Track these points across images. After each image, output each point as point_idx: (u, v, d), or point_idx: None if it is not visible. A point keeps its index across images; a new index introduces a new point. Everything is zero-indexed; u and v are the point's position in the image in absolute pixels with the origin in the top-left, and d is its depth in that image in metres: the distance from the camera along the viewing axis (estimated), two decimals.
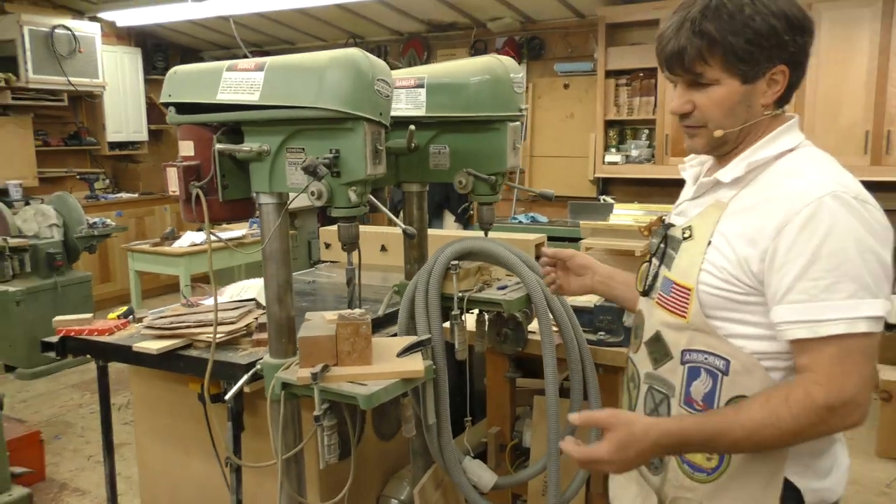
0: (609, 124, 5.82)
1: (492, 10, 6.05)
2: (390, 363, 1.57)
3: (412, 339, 1.67)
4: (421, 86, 1.85)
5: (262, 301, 2.09)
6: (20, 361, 4.75)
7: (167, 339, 1.94)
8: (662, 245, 1.29)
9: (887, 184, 4.75)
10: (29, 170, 6.33)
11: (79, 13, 6.77)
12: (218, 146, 1.56)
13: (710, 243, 1.18)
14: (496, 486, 1.91)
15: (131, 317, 2.20)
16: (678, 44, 1.15)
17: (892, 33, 4.56)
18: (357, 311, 1.59)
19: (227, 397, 1.74)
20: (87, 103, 7.04)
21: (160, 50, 7.70)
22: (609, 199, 5.60)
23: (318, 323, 1.64)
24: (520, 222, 5.67)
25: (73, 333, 2.09)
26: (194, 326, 1.96)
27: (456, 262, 1.83)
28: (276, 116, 1.51)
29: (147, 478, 2.40)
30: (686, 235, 1.22)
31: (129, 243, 5.19)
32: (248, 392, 1.80)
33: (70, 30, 6.33)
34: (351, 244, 1.58)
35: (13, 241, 4.69)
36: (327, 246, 3.37)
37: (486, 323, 2.08)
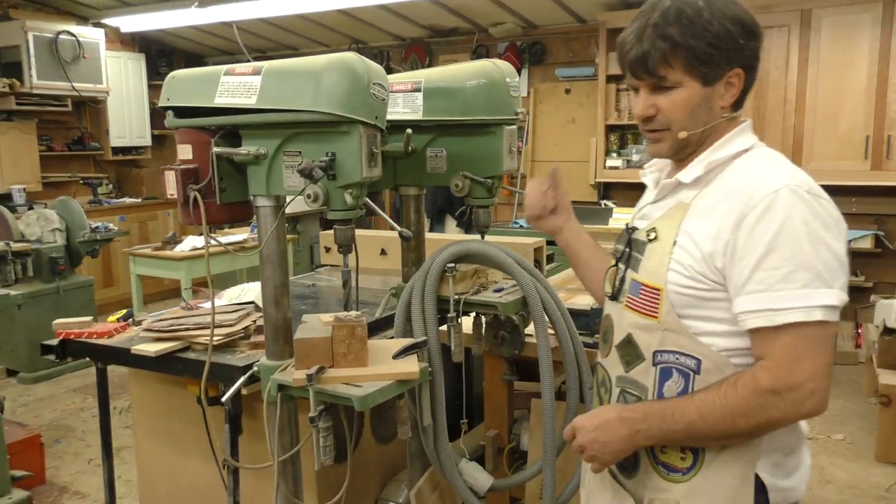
0: (610, 129, 5.84)
1: (493, 16, 6.08)
2: (386, 365, 1.58)
3: (408, 341, 1.67)
4: (418, 90, 1.87)
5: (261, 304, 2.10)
6: (22, 366, 4.77)
7: (165, 342, 1.95)
8: (627, 249, 1.32)
9: (888, 189, 4.75)
10: (33, 175, 6.37)
11: (83, 19, 6.82)
12: (216, 149, 1.58)
13: (675, 243, 1.21)
14: (492, 489, 1.92)
15: (130, 320, 2.21)
16: (642, 48, 1.19)
17: (892, 38, 4.57)
18: (353, 313, 1.60)
19: (223, 399, 1.75)
20: (90, 109, 7.08)
21: (164, 55, 7.74)
22: (610, 204, 5.61)
23: (315, 325, 1.65)
24: (521, 227, 5.68)
25: (72, 336, 2.10)
26: (192, 329, 1.97)
27: (452, 264, 1.84)
28: (272, 120, 1.52)
29: (146, 481, 2.41)
30: (651, 237, 1.25)
31: (132, 247, 5.21)
32: (247, 394, 1.81)
33: (74, 36, 6.37)
34: (346, 246, 1.59)
35: (16, 246, 4.71)
36: (327, 250, 3.38)
37: (483, 326, 2.08)
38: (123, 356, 1.99)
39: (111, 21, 6.66)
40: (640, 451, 1.26)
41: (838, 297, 1.11)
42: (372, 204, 1.64)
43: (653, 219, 1.30)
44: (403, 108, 1.88)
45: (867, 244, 4.94)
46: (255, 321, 2.04)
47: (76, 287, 5.00)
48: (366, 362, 1.56)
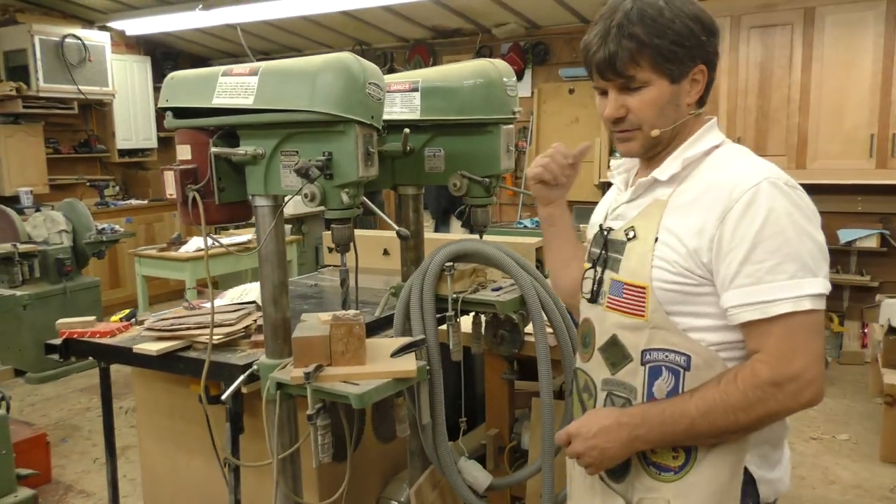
0: None
1: (497, 16, 6.08)
2: (384, 363, 1.59)
3: (406, 339, 1.68)
4: (415, 90, 1.88)
5: None
6: (29, 366, 4.80)
7: (167, 341, 1.97)
8: (603, 251, 1.32)
9: (893, 187, 4.73)
10: (40, 177, 6.41)
11: (89, 23, 6.86)
12: (214, 150, 1.59)
13: (657, 240, 1.21)
14: (491, 487, 1.92)
15: (133, 319, 2.23)
16: (608, 50, 1.20)
17: None
18: (351, 311, 1.61)
19: (223, 397, 1.77)
20: (97, 111, 7.13)
21: (169, 58, 7.78)
22: None
23: (313, 324, 1.66)
24: (525, 227, 5.69)
25: (75, 335, 2.12)
26: (194, 328, 1.98)
27: (450, 263, 1.85)
28: (270, 120, 1.53)
29: (150, 479, 2.43)
30: (630, 236, 1.26)
31: (137, 248, 5.25)
32: (247, 393, 1.82)
33: (80, 39, 6.42)
34: (344, 246, 1.60)
35: (23, 247, 4.75)
36: (330, 250, 3.40)
37: (483, 325, 2.09)
38: (126, 355, 2.01)
39: (116, 24, 6.70)
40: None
41: (823, 285, 1.13)
42: (370, 203, 1.65)
43: (629, 218, 1.30)
44: (401, 107, 1.89)
45: (872, 243, 4.91)
46: (255, 321, 2.06)
47: (83, 288, 5.03)
48: (364, 360, 1.57)
